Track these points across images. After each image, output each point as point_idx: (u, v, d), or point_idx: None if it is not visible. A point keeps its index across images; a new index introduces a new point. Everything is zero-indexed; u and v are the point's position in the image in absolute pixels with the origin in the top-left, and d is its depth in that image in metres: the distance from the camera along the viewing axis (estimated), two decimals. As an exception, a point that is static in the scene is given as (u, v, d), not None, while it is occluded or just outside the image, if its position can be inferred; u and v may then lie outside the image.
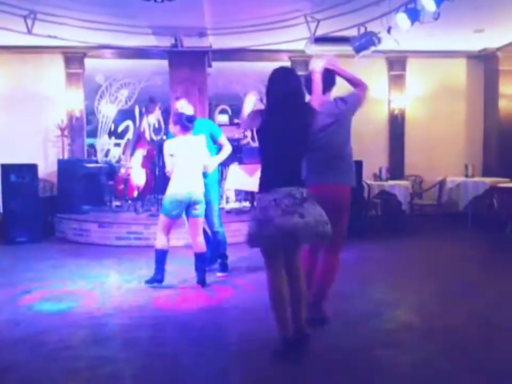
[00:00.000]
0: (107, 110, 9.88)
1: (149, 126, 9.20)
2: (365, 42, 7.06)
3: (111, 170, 9.24)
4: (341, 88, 3.86)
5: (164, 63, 8.88)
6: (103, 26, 7.29)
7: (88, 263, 6.02)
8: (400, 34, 6.68)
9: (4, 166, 7.43)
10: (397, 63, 9.97)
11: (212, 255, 5.53)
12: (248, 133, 9.48)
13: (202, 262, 5.03)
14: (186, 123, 4.98)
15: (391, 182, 8.48)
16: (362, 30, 7.06)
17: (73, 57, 9.40)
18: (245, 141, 9.52)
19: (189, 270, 5.32)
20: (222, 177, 9.18)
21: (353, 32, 7.19)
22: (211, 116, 10.19)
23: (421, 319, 3.94)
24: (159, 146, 7.59)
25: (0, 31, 7.20)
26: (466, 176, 8.75)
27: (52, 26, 7.12)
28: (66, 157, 9.13)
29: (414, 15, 6.17)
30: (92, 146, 10.30)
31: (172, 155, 4.89)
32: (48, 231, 7.76)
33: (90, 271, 5.62)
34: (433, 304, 4.32)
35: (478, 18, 7.68)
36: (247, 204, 8.74)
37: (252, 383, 2.97)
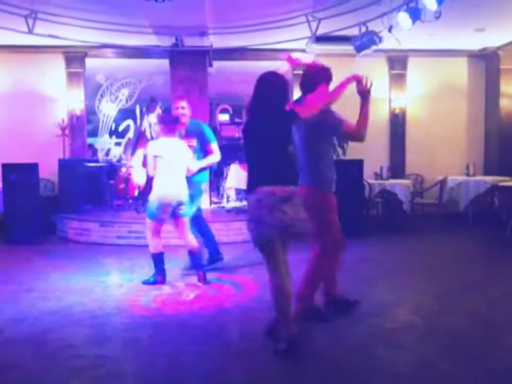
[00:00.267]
0: (108, 109, 9.90)
1: (150, 125, 9.21)
2: (366, 41, 7.06)
3: (112, 170, 9.25)
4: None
5: (165, 62, 8.88)
6: (104, 25, 7.30)
7: (89, 262, 6.03)
8: (401, 33, 6.68)
9: (5, 165, 7.43)
10: (398, 62, 9.96)
11: (211, 254, 5.55)
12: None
13: (199, 259, 5.05)
14: (170, 124, 4.95)
15: (392, 181, 8.48)
16: (363, 29, 7.05)
17: (74, 57, 9.41)
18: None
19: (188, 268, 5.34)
20: (223, 177, 9.20)
21: (354, 31, 7.18)
22: (212, 115, 10.19)
23: (422, 318, 3.93)
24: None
25: (1, 30, 7.21)
26: (467, 175, 8.74)
27: (53, 26, 7.12)
28: (67, 156, 9.15)
29: (415, 14, 6.16)
30: (90, 146, 10.30)
31: (156, 156, 4.84)
32: (49, 231, 7.78)
33: (91, 270, 5.63)
34: (433, 303, 4.32)
35: (479, 17, 7.68)
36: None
37: (252, 382, 2.98)
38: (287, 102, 3.43)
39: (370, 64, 8.78)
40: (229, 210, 8.27)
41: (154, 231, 4.93)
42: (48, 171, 8.56)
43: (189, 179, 5.12)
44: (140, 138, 8.64)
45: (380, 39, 6.97)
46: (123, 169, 8.83)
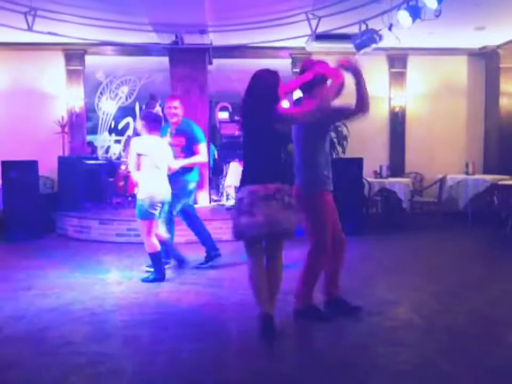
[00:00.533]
0: (107, 107, 9.88)
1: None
2: (366, 39, 7.06)
3: (112, 167, 9.24)
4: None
5: (165, 60, 8.88)
6: (104, 23, 7.28)
7: (88, 259, 6.03)
8: (401, 31, 6.67)
9: (4, 162, 7.42)
10: (397, 61, 9.95)
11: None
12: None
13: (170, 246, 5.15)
14: (152, 123, 4.93)
15: (391, 180, 8.48)
16: (363, 27, 7.05)
17: (74, 54, 9.39)
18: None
19: (189, 266, 5.34)
20: (222, 175, 9.20)
21: (354, 30, 7.18)
22: (212, 113, 10.19)
23: (421, 316, 3.94)
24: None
25: (1, 27, 7.19)
26: (467, 173, 8.74)
27: (53, 23, 7.11)
28: (66, 153, 9.14)
29: (415, 12, 6.16)
30: (90, 143, 10.29)
31: (140, 154, 4.82)
32: (48, 228, 7.78)
33: (90, 267, 5.63)
34: (433, 302, 4.32)
35: (479, 16, 7.67)
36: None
37: (252, 380, 2.98)
38: (277, 101, 3.43)
39: (370, 62, 8.71)
40: (228, 208, 8.27)
41: (148, 231, 4.92)
42: (48, 168, 8.56)
43: (175, 177, 5.14)
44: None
45: (380, 37, 6.97)
46: (122, 167, 8.82)
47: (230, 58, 9.59)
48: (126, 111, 10.29)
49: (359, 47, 7.24)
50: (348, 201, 6.89)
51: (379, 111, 9.94)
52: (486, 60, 9.95)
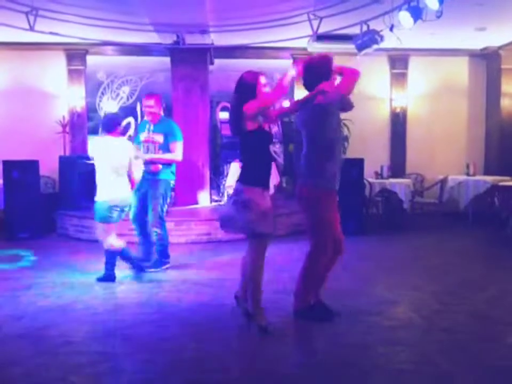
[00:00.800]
0: (109, 107, 9.89)
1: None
2: (367, 40, 7.05)
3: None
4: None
5: (166, 60, 8.88)
6: (105, 23, 7.28)
7: (89, 259, 6.02)
8: (403, 32, 6.66)
9: (5, 162, 7.43)
10: (399, 61, 9.95)
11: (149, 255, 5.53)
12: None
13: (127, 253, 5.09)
14: (108, 123, 4.91)
15: (392, 180, 8.48)
16: (364, 28, 7.04)
17: (75, 54, 9.40)
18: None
19: (190, 266, 5.34)
20: (223, 175, 9.20)
21: (355, 30, 7.17)
22: (213, 113, 10.19)
23: (421, 316, 3.94)
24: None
25: (2, 27, 7.19)
26: (468, 174, 8.75)
27: (54, 23, 7.11)
28: (67, 153, 9.15)
29: (417, 13, 6.15)
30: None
31: (95, 156, 4.84)
32: (49, 228, 7.77)
33: (91, 267, 5.62)
34: (433, 302, 4.32)
35: (480, 17, 7.67)
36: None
37: (252, 380, 2.98)
38: (241, 102, 3.51)
39: (371, 63, 8.77)
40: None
41: (106, 231, 4.88)
42: (49, 168, 8.57)
43: (156, 177, 5.16)
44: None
45: (381, 38, 6.96)
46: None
47: (232, 58, 9.59)
48: (127, 111, 10.29)
49: (360, 48, 7.23)
50: (348, 202, 6.89)
51: (380, 111, 9.94)
52: (487, 61, 9.94)
